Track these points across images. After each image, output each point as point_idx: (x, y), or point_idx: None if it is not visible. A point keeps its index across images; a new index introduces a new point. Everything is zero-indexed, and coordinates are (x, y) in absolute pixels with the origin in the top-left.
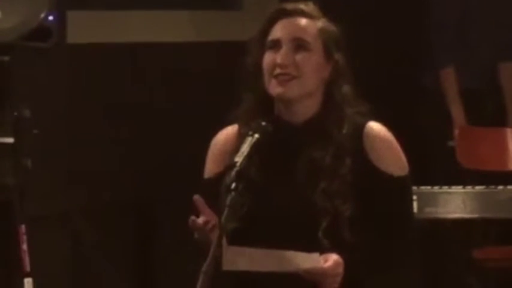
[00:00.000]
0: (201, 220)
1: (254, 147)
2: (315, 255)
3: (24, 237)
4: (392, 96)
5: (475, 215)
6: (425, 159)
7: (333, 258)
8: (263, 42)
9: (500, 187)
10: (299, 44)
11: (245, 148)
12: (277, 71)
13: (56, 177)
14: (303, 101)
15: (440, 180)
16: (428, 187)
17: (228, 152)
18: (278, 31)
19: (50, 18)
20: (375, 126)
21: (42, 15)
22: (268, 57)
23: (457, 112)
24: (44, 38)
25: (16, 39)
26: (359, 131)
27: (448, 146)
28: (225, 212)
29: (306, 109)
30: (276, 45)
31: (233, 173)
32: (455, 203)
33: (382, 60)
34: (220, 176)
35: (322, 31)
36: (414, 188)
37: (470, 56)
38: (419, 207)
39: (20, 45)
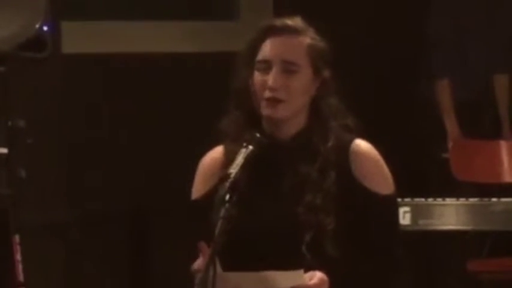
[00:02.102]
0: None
1: (248, 159)
2: (299, 273)
3: (18, 248)
4: (387, 109)
5: (469, 227)
6: (420, 171)
7: (317, 276)
8: (252, 60)
9: (494, 199)
10: (289, 67)
11: (239, 160)
12: (268, 94)
13: (50, 188)
14: (291, 119)
15: (435, 192)
16: (423, 199)
17: (215, 174)
18: (267, 51)
19: (45, 28)
20: (361, 144)
21: (37, 26)
22: (258, 79)
23: (451, 124)
24: (39, 48)
25: (11, 49)
26: (345, 147)
27: (442, 158)
28: (219, 224)
29: (293, 125)
30: (266, 66)
31: (227, 184)
32: (449, 215)
33: (378, 71)
34: (207, 197)
35: (310, 48)
36: (408, 199)
37: (465, 68)
38: (413, 219)
39: (15, 56)
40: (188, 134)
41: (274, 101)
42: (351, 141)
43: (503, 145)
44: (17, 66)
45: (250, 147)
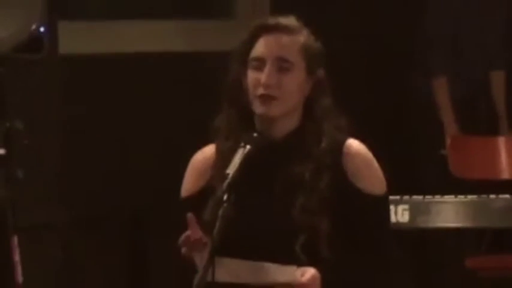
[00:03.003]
0: (194, 236)
1: (246, 159)
2: (292, 268)
3: (17, 249)
4: (384, 106)
5: (468, 224)
6: (418, 168)
7: (310, 272)
8: (245, 58)
9: (493, 196)
10: (283, 64)
11: (237, 160)
12: (261, 91)
13: (47, 189)
14: (284, 118)
15: (433, 189)
16: (421, 196)
17: (206, 172)
18: (261, 49)
19: (42, 29)
20: (354, 144)
21: (34, 27)
22: (252, 76)
23: (449, 121)
24: (36, 49)
25: (8, 50)
26: (338, 148)
27: (440, 155)
28: (217, 223)
29: (286, 124)
30: (260, 63)
31: (225, 184)
32: (447, 212)
33: (374, 69)
34: (196, 195)
35: (304, 47)
36: (406, 197)
37: (462, 65)
38: (411, 217)
39: (12, 57)
40: (185, 133)
41: (267, 98)
42: (343, 141)
43: (501, 141)
44: (14, 67)
45: (248, 146)
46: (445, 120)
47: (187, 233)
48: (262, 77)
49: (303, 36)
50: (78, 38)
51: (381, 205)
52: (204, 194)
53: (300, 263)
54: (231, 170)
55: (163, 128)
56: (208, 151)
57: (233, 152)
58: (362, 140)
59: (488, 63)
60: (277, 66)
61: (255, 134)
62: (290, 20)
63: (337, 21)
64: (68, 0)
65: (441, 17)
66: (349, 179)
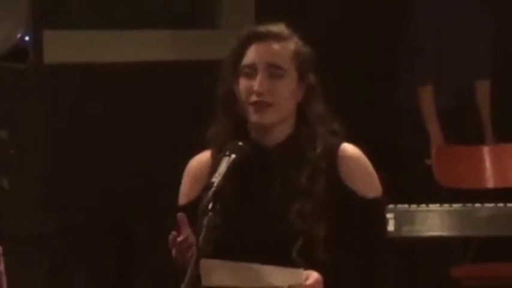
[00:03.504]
0: (181, 237)
1: (231, 168)
2: (298, 271)
3: (2, 259)
4: (370, 115)
5: (453, 233)
6: (403, 177)
7: (314, 276)
8: (236, 66)
9: (478, 205)
10: (275, 71)
11: (222, 168)
12: (254, 98)
13: (33, 198)
14: (278, 125)
15: (418, 198)
16: (406, 205)
17: (203, 178)
18: (252, 56)
19: (26, 38)
20: (348, 148)
21: (18, 36)
22: (243, 84)
23: (434, 130)
24: (21, 58)
25: None
26: (333, 152)
27: (425, 164)
28: (203, 232)
29: (281, 132)
30: (251, 70)
31: (210, 193)
32: (432, 221)
33: (360, 79)
34: (194, 202)
35: (295, 54)
36: (391, 206)
37: (447, 74)
38: (396, 226)
39: None
40: (171, 142)
41: (262, 105)
42: (338, 145)
43: (486, 151)
44: None
45: (233, 155)
46: (430, 129)
47: (174, 232)
48: (255, 84)
49: (293, 43)
50: (63, 48)
51: (376, 208)
52: (199, 202)
53: (297, 267)
54: (216, 178)
55: (149, 135)
56: (203, 158)
57: None
58: None
59: (474, 72)
60: (269, 73)
61: (239, 143)
62: (280, 28)
63: (323, 29)
64: (53, 9)
65: (427, 26)
66: (344, 183)
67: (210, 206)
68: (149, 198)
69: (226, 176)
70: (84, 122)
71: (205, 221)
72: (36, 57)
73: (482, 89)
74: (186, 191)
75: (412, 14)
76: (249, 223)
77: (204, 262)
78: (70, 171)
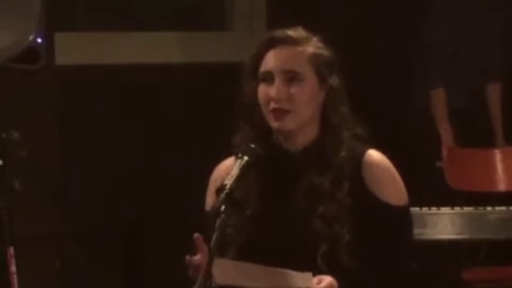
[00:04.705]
0: (196, 260)
1: (244, 170)
2: (308, 275)
3: (13, 259)
4: (381, 117)
5: (464, 236)
6: (414, 180)
7: (327, 280)
8: (255, 73)
9: (489, 208)
10: (291, 76)
11: (234, 171)
12: (272, 105)
13: (44, 199)
14: (302, 130)
15: (429, 201)
16: (417, 208)
17: None
18: (269, 63)
19: (38, 40)
20: (374, 155)
21: (31, 38)
22: (262, 91)
23: (446, 133)
24: (33, 60)
25: (4, 61)
26: (358, 158)
27: (436, 166)
28: (215, 234)
29: (305, 136)
30: (269, 77)
31: (222, 195)
32: (444, 224)
33: (372, 81)
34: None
35: (313, 57)
36: None
37: (459, 77)
38: None
39: (9, 67)
40: (184, 143)
41: (280, 112)
42: (363, 151)
43: (497, 153)
44: (10, 78)
45: (246, 157)
46: (441, 131)
47: (188, 257)
48: (272, 91)
49: (311, 46)
50: (75, 50)
51: (401, 216)
52: None
53: (320, 273)
54: (228, 180)
55: (160, 136)
56: (228, 164)
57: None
58: None
59: (485, 75)
60: (286, 79)
61: (252, 145)
62: (297, 31)
63: (335, 32)
64: (64, 12)
65: (439, 29)
66: (369, 190)
67: (222, 208)
68: (160, 198)
69: (239, 178)
70: (96, 123)
71: (217, 223)
72: (48, 59)
73: (493, 92)
74: (209, 198)
75: (426, 17)
76: (272, 227)
77: (215, 262)
78: (81, 172)
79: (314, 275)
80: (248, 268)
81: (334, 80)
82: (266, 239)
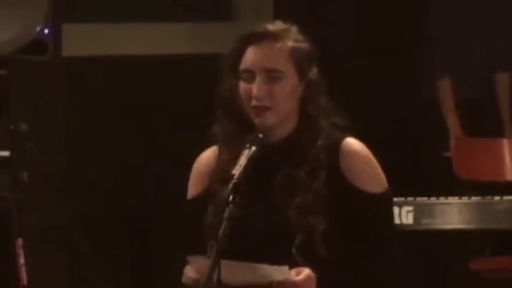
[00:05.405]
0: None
1: (251, 160)
2: (284, 268)
3: (21, 251)
4: (389, 107)
5: (472, 226)
6: (422, 170)
7: (305, 272)
8: (236, 69)
9: (497, 198)
10: (272, 74)
11: (242, 160)
12: (254, 102)
13: (52, 191)
14: (282, 123)
15: (437, 191)
16: (425, 198)
17: (209, 173)
18: (249, 60)
19: (46, 31)
20: (351, 142)
21: (38, 29)
22: (243, 88)
23: (454, 123)
24: (40, 51)
25: (12, 52)
26: (335, 146)
27: (444, 156)
28: (223, 224)
29: (284, 128)
30: (249, 75)
31: (230, 185)
32: (451, 214)
33: (379, 71)
34: (201, 197)
35: (292, 51)
36: (410, 199)
37: (466, 66)
38: (415, 219)
39: (16, 59)
40: (188, 136)
41: (261, 109)
42: (341, 139)
43: (506, 143)
44: (18, 69)
45: (254, 147)
46: (449, 121)
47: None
48: (253, 89)
49: (291, 40)
50: (82, 41)
51: (381, 203)
52: (205, 197)
53: (296, 264)
54: (237, 170)
55: (168, 130)
56: (210, 154)
57: (232, 161)
58: (367, 141)
59: (493, 64)
60: (267, 77)
61: (260, 135)
62: (276, 26)
63: (343, 22)
64: (72, 2)
65: (445, 18)
66: (347, 178)
67: (231, 198)
68: (169, 191)
69: (247, 168)
70: (103, 115)
71: (226, 213)
72: (55, 51)
73: (502, 81)
74: (191, 187)
75: (429, 5)
76: (249, 218)
77: (192, 260)
78: (89, 164)
79: (291, 266)
80: (225, 264)
81: (313, 73)
82: (242, 230)
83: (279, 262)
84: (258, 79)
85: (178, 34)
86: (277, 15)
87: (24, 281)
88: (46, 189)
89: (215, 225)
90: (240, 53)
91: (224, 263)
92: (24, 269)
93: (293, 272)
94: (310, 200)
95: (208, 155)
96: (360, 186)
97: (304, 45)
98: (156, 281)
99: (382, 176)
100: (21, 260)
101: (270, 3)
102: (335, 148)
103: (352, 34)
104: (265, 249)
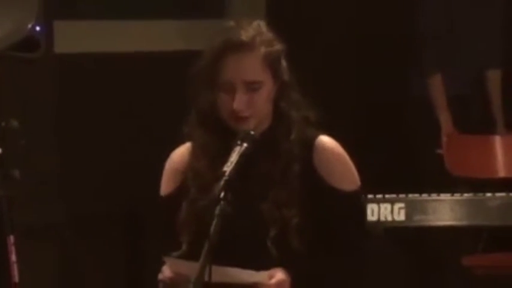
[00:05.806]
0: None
1: (242, 156)
2: (263, 273)
3: (13, 248)
4: (380, 105)
5: (464, 223)
6: (414, 166)
7: (279, 275)
8: (214, 79)
9: (489, 194)
10: (252, 86)
11: (234, 157)
12: (234, 114)
13: (44, 188)
14: (258, 123)
15: (429, 187)
16: (417, 195)
17: (182, 171)
18: (229, 74)
19: (37, 28)
20: (325, 140)
21: (29, 26)
22: (223, 99)
23: (445, 119)
24: (31, 48)
25: (3, 49)
26: (310, 142)
27: (436, 153)
28: (215, 221)
29: (260, 127)
30: (229, 87)
31: (222, 182)
32: (443, 210)
33: (370, 69)
34: (176, 193)
35: (266, 58)
36: (402, 195)
37: (457, 63)
38: (407, 215)
39: (8, 56)
40: (180, 133)
41: (242, 119)
42: (315, 136)
43: (498, 140)
44: (9, 66)
45: (245, 144)
46: (441, 118)
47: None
48: (234, 103)
49: (263, 46)
50: (74, 38)
51: (352, 201)
52: (178, 195)
53: (271, 258)
54: (228, 167)
55: (161, 127)
56: (184, 151)
57: (210, 166)
58: (358, 138)
59: (483, 61)
60: (247, 88)
61: (251, 132)
62: (248, 32)
63: (334, 18)
64: (63, 0)
65: (435, 14)
66: (319, 174)
67: (222, 195)
68: (159, 188)
69: (238, 165)
70: (95, 112)
71: (217, 210)
72: (47, 47)
73: (494, 78)
74: (165, 184)
75: (419, 2)
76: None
77: (168, 260)
78: (81, 161)
79: (266, 259)
80: (195, 266)
81: (285, 73)
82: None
83: (255, 256)
84: (238, 93)
85: (172, 31)
86: (269, 12)
87: (16, 278)
88: (38, 187)
89: (189, 222)
90: (217, 63)
91: (194, 264)
92: (16, 266)
93: (267, 275)
94: (284, 194)
95: (181, 152)
96: (332, 183)
97: (275, 47)
98: (148, 277)
99: (355, 174)
100: (13, 257)
101: (262, 1)
102: (309, 144)
103: (342, 32)
104: (240, 244)
